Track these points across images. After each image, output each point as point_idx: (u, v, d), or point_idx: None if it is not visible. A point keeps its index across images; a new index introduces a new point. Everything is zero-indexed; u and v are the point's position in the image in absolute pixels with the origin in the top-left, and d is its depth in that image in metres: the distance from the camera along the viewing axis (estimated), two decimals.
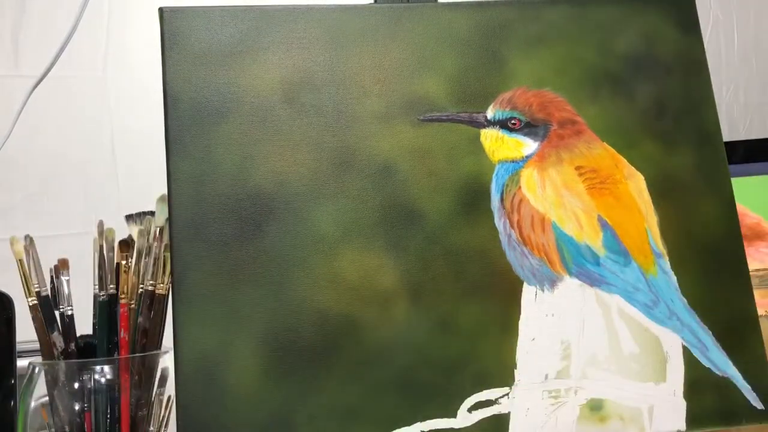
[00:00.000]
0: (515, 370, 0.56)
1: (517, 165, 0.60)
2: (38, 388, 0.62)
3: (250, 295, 0.54)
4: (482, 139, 0.59)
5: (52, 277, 0.65)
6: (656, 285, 0.58)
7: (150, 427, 0.63)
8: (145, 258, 0.64)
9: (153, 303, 0.64)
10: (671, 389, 0.57)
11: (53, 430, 0.62)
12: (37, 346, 0.64)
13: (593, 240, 0.59)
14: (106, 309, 0.64)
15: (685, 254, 0.60)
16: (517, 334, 0.56)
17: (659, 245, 0.59)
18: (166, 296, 0.64)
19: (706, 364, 0.58)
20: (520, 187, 0.59)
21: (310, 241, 0.56)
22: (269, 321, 0.54)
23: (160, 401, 0.64)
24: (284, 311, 0.54)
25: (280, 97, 0.58)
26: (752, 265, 0.77)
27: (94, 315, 0.65)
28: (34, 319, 0.63)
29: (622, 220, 0.59)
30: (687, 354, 0.58)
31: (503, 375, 0.56)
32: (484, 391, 0.55)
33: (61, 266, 0.65)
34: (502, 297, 0.57)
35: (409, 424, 0.54)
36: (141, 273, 0.64)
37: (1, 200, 0.88)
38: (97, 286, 0.65)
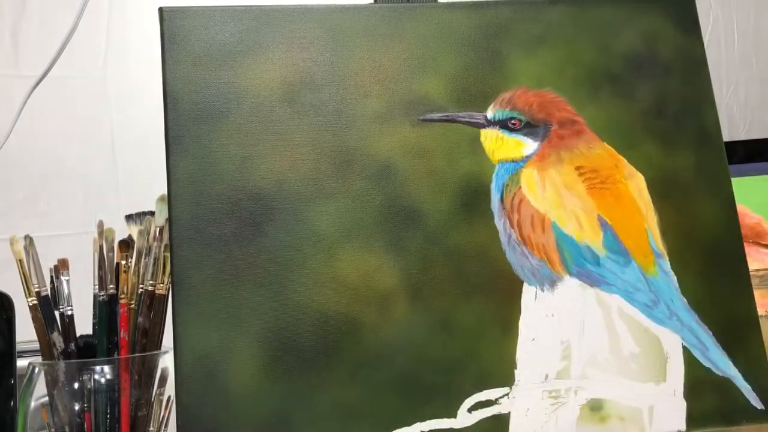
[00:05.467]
0: (515, 370, 0.56)
1: (517, 165, 0.60)
2: (38, 388, 0.62)
3: (250, 295, 0.54)
4: (482, 139, 0.59)
5: (52, 277, 0.65)
6: (656, 285, 0.58)
7: (150, 427, 0.63)
8: (145, 258, 0.64)
9: (153, 303, 0.64)
10: (671, 389, 0.57)
11: (53, 430, 0.62)
12: (37, 346, 0.64)
13: (593, 240, 0.59)
14: (106, 309, 0.64)
15: (685, 254, 0.60)
16: (517, 334, 0.56)
17: (659, 245, 0.59)
18: (166, 296, 0.64)
19: (706, 364, 0.58)
20: (520, 187, 0.59)
21: (310, 241, 0.56)
22: (269, 321, 0.54)
23: (160, 401, 0.64)
24: (284, 311, 0.54)
25: (280, 97, 0.58)
26: (752, 265, 0.77)
27: (94, 315, 0.65)
28: (34, 319, 0.63)
29: (622, 220, 0.59)
30: (687, 354, 0.58)
31: (503, 375, 0.56)
32: (484, 391, 0.55)
33: (61, 266, 0.65)
34: (502, 297, 0.57)
35: (409, 424, 0.54)
36: (141, 273, 0.64)
37: (1, 200, 0.88)
38: (97, 286, 0.65)
